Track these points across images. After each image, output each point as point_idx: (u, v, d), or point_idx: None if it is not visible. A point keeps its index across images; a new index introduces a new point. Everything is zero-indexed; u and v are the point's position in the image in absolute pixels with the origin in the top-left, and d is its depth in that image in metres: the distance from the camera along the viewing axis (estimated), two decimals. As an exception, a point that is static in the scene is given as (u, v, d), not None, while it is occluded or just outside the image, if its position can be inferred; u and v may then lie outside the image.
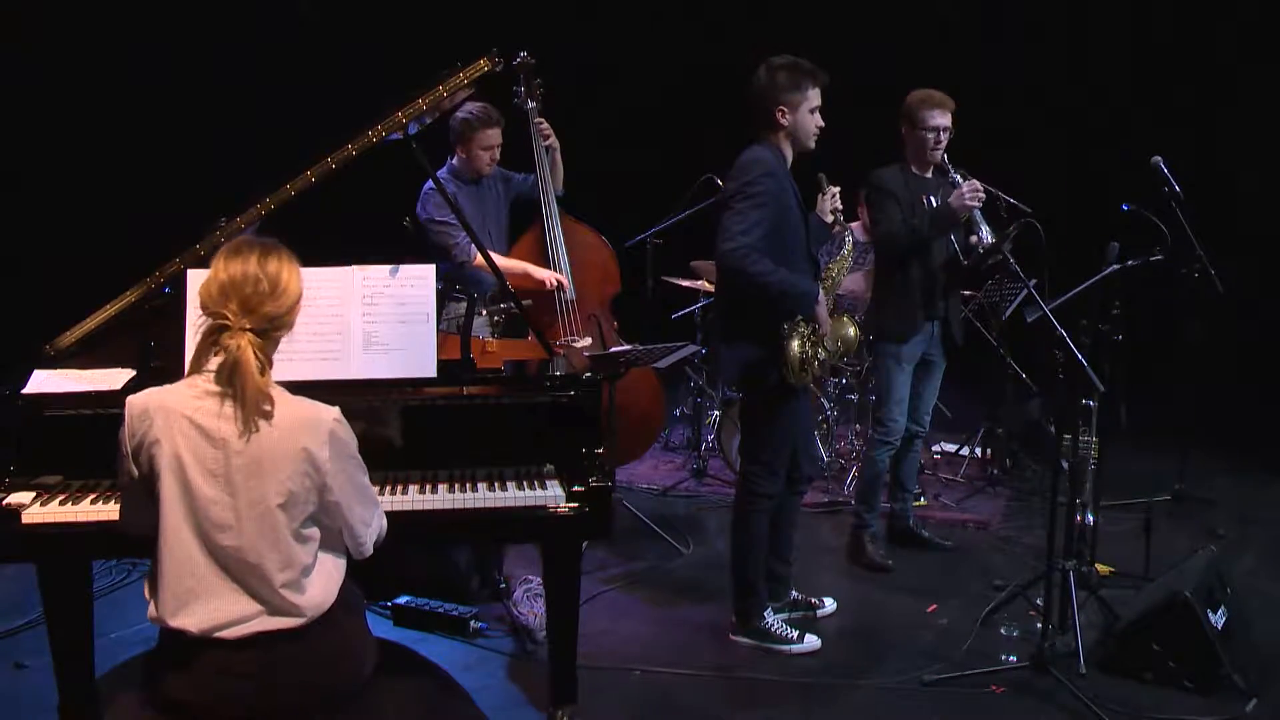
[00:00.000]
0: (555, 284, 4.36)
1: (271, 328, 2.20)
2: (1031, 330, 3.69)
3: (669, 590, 4.21)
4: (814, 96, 3.54)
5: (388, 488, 2.69)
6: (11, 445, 2.61)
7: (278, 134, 5.28)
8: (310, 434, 2.16)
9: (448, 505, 2.67)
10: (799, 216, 3.57)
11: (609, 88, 7.73)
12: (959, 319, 4.49)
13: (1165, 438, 5.37)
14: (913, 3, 7.82)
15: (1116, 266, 3.89)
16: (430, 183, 3.79)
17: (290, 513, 2.15)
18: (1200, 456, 5.45)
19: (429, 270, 2.87)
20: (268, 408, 2.14)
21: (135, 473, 2.14)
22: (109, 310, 2.92)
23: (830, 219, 3.77)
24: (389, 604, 3.80)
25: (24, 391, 2.68)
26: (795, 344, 3.49)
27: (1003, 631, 3.81)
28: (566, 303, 4.47)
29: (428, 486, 2.71)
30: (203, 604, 2.12)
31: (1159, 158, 4.67)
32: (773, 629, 3.71)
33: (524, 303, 3.35)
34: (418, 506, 2.65)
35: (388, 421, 2.73)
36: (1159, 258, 4.12)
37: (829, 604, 4.02)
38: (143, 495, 2.16)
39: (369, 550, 2.33)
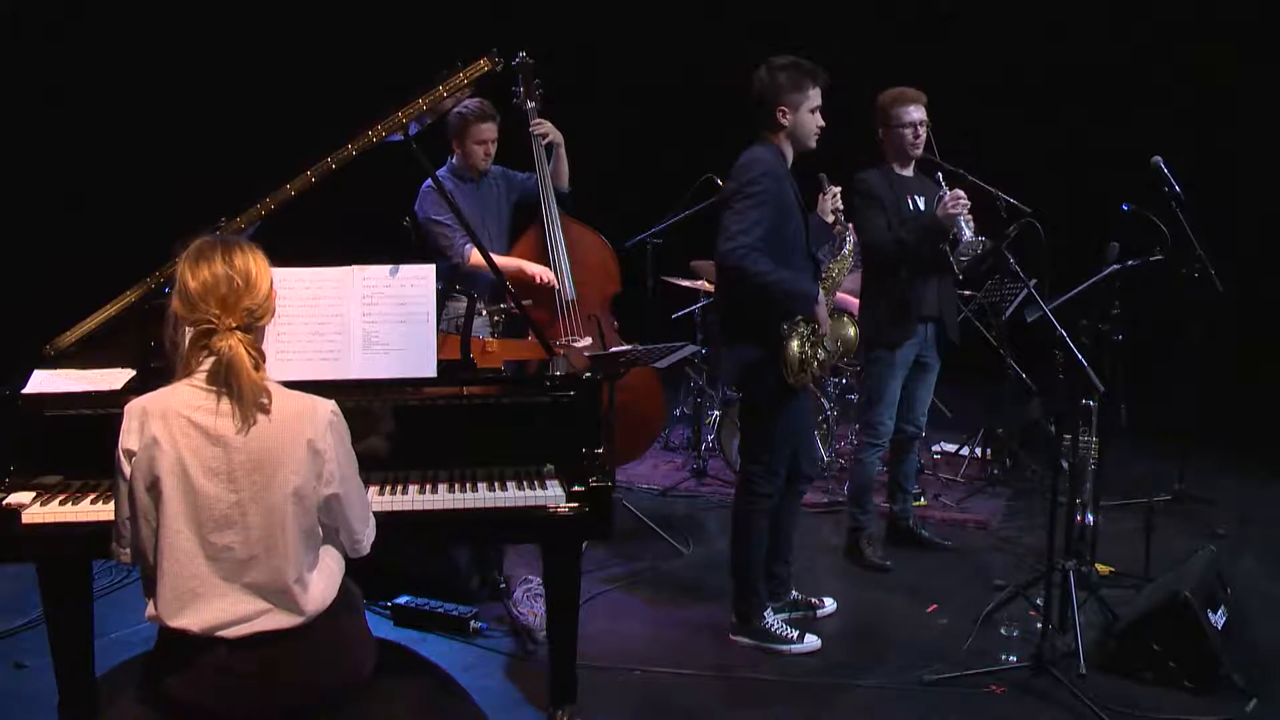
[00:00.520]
0: (546, 281, 4.35)
1: (254, 320, 2.21)
2: (1031, 330, 3.70)
3: (669, 590, 4.21)
4: (815, 96, 3.54)
5: (388, 488, 2.69)
6: (11, 445, 2.61)
7: (278, 134, 5.28)
8: (310, 425, 2.17)
9: (448, 505, 2.67)
10: (799, 216, 3.57)
11: (609, 87, 7.73)
12: (955, 318, 4.48)
13: (1165, 438, 5.37)
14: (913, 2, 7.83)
15: (1116, 266, 3.89)
16: (429, 181, 3.79)
17: (298, 507, 2.15)
18: (1200, 456, 5.45)
19: (429, 270, 2.87)
20: (265, 401, 2.14)
21: (129, 473, 2.14)
22: (109, 310, 2.92)
23: (830, 219, 3.77)
24: (389, 604, 3.80)
25: (24, 391, 2.68)
26: (795, 344, 3.49)
27: (1003, 631, 3.81)
28: (566, 303, 4.47)
29: (428, 486, 2.71)
30: (204, 604, 2.12)
31: (1159, 158, 4.67)
32: (773, 629, 3.71)
33: (524, 302, 3.35)
34: (418, 506, 2.65)
35: (388, 421, 2.73)
36: (1159, 258, 4.12)
37: (829, 604, 4.02)
38: (134, 508, 2.15)
39: (366, 548, 2.34)
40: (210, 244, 2.22)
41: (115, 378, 2.80)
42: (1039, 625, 3.54)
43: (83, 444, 2.61)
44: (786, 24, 7.27)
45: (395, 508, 2.63)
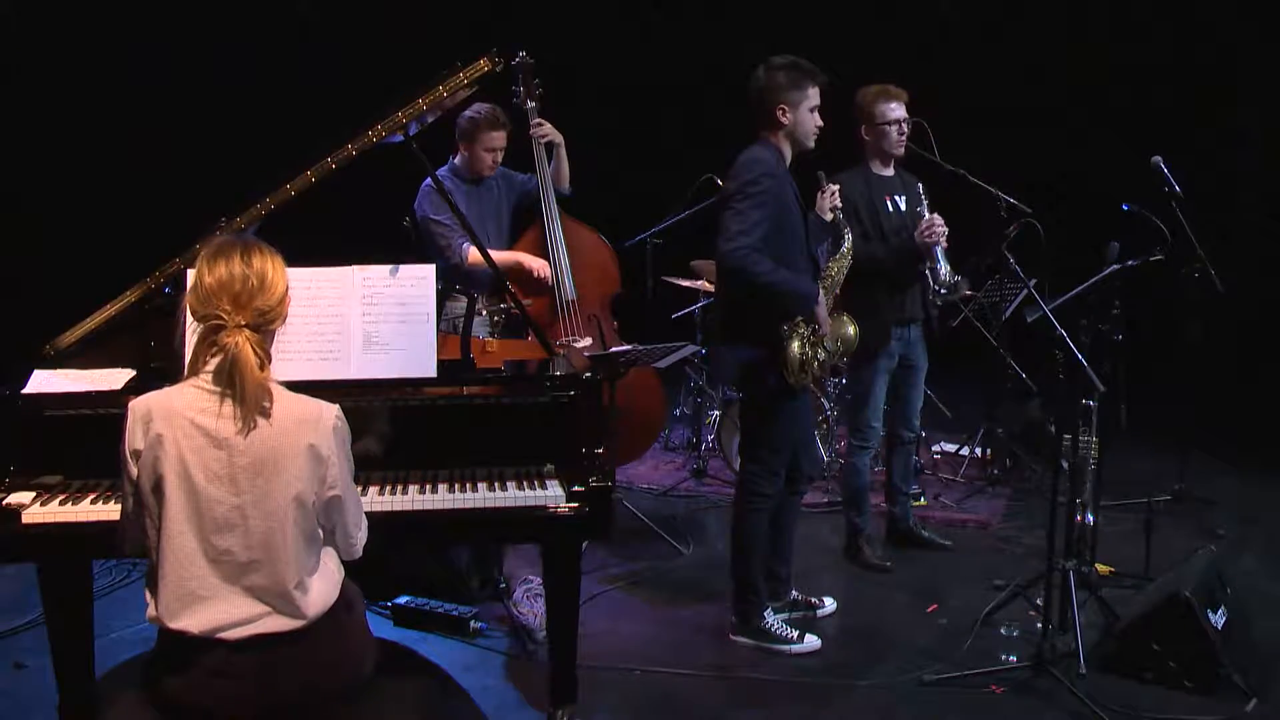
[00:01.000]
0: (544, 274, 4.34)
1: (265, 321, 2.21)
2: (1031, 330, 3.69)
3: (669, 590, 4.21)
4: (814, 96, 3.55)
5: (388, 488, 2.69)
6: (11, 445, 2.61)
7: (278, 134, 5.28)
8: (314, 431, 2.17)
9: (448, 505, 2.67)
10: (799, 216, 3.57)
11: (609, 87, 7.72)
12: (936, 313, 4.43)
13: (1165, 438, 5.37)
14: (913, 2, 7.82)
15: (1116, 266, 3.89)
16: (429, 180, 3.79)
17: (299, 512, 2.15)
18: (1200, 456, 5.46)
19: (429, 270, 2.87)
20: (267, 404, 2.14)
21: (135, 473, 2.14)
22: (109, 310, 2.92)
23: (829, 217, 3.77)
24: (389, 604, 3.80)
25: (24, 391, 2.68)
26: (795, 344, 3.49)
27: (1003, 631, 3.81)
28: (566, 303, 4.47)
29: (428, 486, 2.71)
30: (205, 606, 2.12)
31: (1159, 158, 4.67)
32: (773, 629, 3.71)
33: (524, 302, 3.35)
34: (418, 506, 2.65)
35: (388, 421, 2.73)
36: (1159, 258, 4.12)
37: (829, 604, 4.02)
38: (139, 505, 2.16)
39: (359, 551, 2.34)
40: (231, 243, 2.22)
41: (115, 378, 2.80)
42: (1039, 625, 3.54)
43: (83, 444, 2.61)
44: (786, 24, 7.29)
45: (395, 508, 2.63)
